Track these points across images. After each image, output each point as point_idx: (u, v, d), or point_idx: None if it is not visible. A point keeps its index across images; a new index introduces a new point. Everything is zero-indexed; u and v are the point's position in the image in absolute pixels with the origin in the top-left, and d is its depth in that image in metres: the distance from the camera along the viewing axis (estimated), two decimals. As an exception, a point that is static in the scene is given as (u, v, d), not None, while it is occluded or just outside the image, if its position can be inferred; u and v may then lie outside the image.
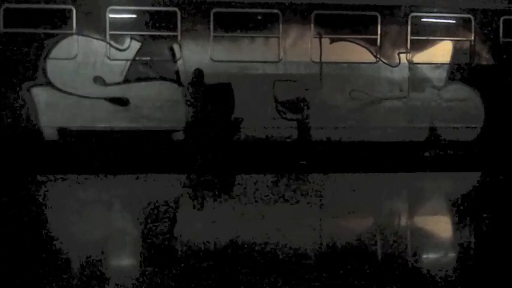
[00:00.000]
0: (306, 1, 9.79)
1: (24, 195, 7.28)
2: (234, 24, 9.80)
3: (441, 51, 10.21)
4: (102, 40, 9.35)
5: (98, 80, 9.37)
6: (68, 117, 9.32)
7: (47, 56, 9.28)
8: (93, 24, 9.32)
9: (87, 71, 9.33)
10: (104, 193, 7.77)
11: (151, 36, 9.60)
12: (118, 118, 9.41)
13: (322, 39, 9.84)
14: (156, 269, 4.17)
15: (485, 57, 10.26)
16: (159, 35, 9.64)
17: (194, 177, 8.69)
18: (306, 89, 9.78)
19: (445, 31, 10.27)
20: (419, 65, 10.11)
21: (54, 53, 9.29)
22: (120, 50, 9.43)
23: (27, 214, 6.08)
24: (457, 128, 10.16)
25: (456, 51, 10.24)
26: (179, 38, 9.53)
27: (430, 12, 10.12)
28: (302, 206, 6.77)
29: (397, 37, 10.02)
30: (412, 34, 10.05)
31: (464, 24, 10.25)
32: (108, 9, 9.35)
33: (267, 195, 7.35)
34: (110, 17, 9.37)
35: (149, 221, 5.84)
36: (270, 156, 9.64)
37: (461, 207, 6.90)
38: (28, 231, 5.32)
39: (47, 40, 9.28)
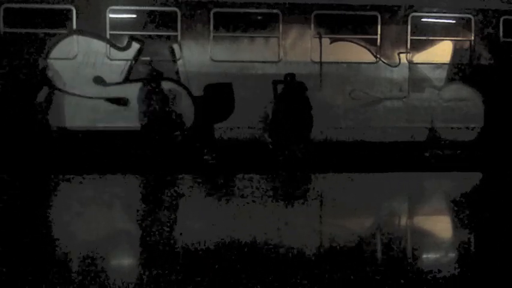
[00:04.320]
0: (306, 1, 9.79)
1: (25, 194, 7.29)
2: (234, 24, 9.80)
3: (441, 51, 10.21)
4: (102, 40, 9.35)
5: (98, 80, 9.37)
6: (67, 117, 9.33)
7: (47, 56, 9.29)
8: (93, 24, 9.32)
9: (87, 71, 9.34)
10: (102, 193, 7.77)
11: (151, 36, 9.60)
12: (118, 118, 9.40)
13: (322, 39, 9.85)
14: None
15: (485, 57, 10.26)
16: (159, 35, 9.64)
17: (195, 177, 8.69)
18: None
19: (445, 31, 10.27)
20: (419, 65, 10.11)
21: (54, 53, 9.29)
22: (120, 50, 9.43)
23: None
24: (457, 128, 10.16)
25: (456, 51, 10.24)
26: (179, 38, 9.53)
27: (430, 12, 10.13)
28: (298, 206, 6.79)
29: (397, 37, 10.02)
30: (412, 34, 10.06)
31: (464, 24, 10.25)
32: (108, 9, 9.35)
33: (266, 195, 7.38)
34: (110, 17, 9.37)
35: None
36: (269, 156, 9.64)
37: (461, 207, 6.90)
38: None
39: (47, 40, 9.28)
